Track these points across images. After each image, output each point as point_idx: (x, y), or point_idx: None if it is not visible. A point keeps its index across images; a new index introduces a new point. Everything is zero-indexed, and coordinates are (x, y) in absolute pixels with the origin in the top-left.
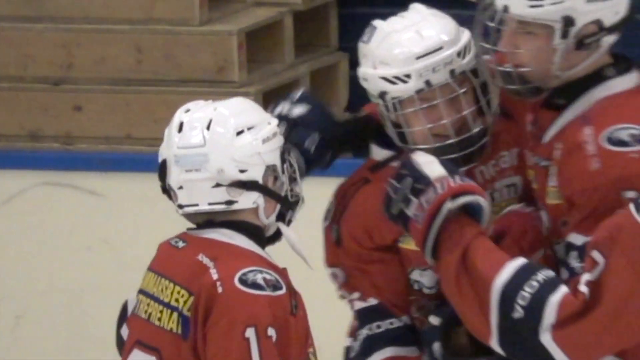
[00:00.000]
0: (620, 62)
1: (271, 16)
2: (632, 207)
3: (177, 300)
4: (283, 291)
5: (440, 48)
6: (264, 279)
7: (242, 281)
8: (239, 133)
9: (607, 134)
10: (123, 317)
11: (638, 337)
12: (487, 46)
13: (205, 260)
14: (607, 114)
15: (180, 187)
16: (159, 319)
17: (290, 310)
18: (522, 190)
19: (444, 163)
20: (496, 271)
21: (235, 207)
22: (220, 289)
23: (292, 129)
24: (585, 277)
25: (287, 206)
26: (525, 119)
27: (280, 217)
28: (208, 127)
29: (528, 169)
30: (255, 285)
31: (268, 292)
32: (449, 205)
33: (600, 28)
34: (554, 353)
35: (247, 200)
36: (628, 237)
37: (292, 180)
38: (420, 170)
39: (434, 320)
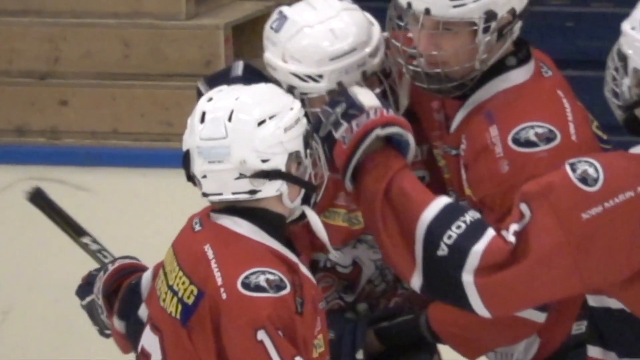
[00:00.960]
0: (522, 48)
1: (258, 10)
2: (567, 167)
3: (178, 285)
4: (287, 291)
5: (354, 50)
6: (267, 280)
7: (245, 285)
8: (261, 123)
9: (514, 135)
10: (135, 299)
11: (558, 294)
12: (411, 50)
13: (210, 253)
14: (511, 112)
15: (204, 176)
16: (164, 300)
17: (295, 310)
18: (429, 183)
19: (379, 98)
20: (424, 206)
21: (258, 196)
22: (224, 296)
23: None
24: (514, 227)
25: (311, 189)
26: (431, 107)
27: (306, 199)
28: (230, 119)
29: (439, 157)
30: (258, 288)
31: (271, 294)
32: (379, 131)
33: (513, 16)
34: (471, 297)
35: (271, 188)
36: (560, 196)
37: (316, 162)
38: (355, 98)
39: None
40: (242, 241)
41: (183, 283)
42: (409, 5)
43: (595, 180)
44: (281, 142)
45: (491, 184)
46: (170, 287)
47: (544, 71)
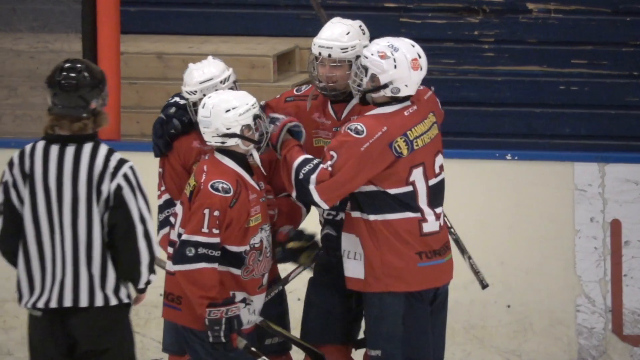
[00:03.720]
0: None
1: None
2: (348, 130)
3: (190, 182)
4: (229, 194)
5: (210, 79)
6: (222, 187)
7: (212, 186)
8: (227, 111)
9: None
10: None
11: (354, 188)
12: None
13: (205, 168)
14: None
15: (204, 134)
16: (185, 188)
17: (229, 205)
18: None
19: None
20: (295, 158)
21: (225, 145)
22: (202, 187)
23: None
24: (328, 163)
25: (254, 142)
26: (313, 118)
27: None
28: (213, 107)
29: (324, 139)
30: (216, 189)
31: (221, 194)
32: (289, 125)
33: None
34: (314, 195)
35: (231, 142)
36: (349, 143)
37: (265, 130)
38: (277, 119)
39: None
40: (220, 166)
41: (191, 181)
42: (320, 53)
43: (362, 132)
44: (237, 120)
45: None
46: (188, 183)
47: None
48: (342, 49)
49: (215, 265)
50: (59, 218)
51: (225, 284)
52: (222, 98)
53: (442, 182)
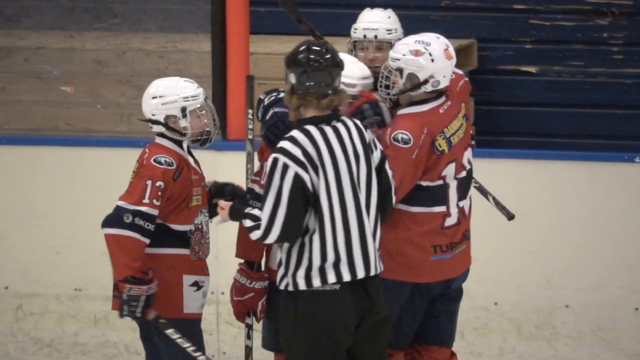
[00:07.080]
0: None
1: None
2: (395, 142)
3: (134, 168)
4: (173, 167)
5: (368, 77)
6: (165, 160)
7: (155, 160)
8: (154, 97)
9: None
10: None
11: (413, 184)
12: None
13: (147, 149)
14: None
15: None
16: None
17: (172, 177)
18: None
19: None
20: None
21: (153, 130)
22: (144, 162)
23: None
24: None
25: (176, 132)
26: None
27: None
28: (146, 91)
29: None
30: (159, 162)
31: (164, 167)
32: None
33: None
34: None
35: (157, 128)
36: (402, 151)
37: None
38: (383, 115)
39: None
40: (162, 147)
41: (135, 164)
42: (365, 36)
43: (409, 141)
44: (159, 109)
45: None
46: (133, 171)
47: None
48: (387, 30)
49: (147, 242)
50: (353, 194)
51: (176, 267)
52: (156, 84)
53: (469, 173)
